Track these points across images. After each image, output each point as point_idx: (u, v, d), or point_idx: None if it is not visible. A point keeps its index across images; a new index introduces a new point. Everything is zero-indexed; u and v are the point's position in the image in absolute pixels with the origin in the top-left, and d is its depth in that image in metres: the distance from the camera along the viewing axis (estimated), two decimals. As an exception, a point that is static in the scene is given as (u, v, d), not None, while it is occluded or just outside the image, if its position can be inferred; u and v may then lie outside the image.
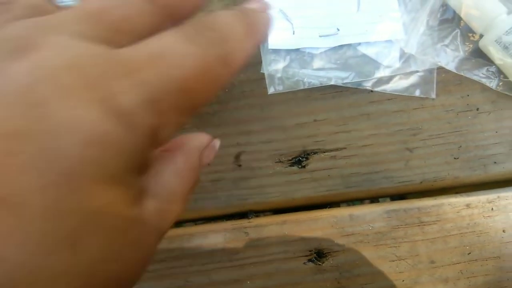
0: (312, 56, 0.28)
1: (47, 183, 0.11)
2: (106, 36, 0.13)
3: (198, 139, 0.19)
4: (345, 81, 0.28)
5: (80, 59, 0.12)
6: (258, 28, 0.17)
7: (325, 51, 0.28)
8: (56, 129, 0.11)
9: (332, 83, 0.28)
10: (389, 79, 0.28)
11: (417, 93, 0.28)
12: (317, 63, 0.28)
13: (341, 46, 0.28)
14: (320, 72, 0.28)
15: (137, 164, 0.13)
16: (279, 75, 0.28)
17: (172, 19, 0.15)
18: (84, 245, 0.11)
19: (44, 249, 0.11)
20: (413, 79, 0.28)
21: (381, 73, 0.28)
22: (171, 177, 0.16)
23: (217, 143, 0.19)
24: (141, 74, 0.12)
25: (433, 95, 0.28)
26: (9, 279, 0.10)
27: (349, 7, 0.28)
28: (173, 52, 0.13)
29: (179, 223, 0.27)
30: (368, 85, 0.28)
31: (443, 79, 0.28)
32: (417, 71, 0.28)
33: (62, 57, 0.12)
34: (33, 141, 0.11)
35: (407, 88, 0.28)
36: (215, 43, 0.14)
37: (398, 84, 0.28)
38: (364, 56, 0.29)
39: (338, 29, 0.28)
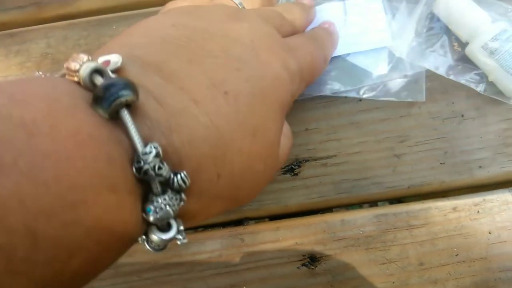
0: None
1: (253, 92, 0.17)
2: (275, 28, 0.22)
3: None
4: (335, 91, 0.29)
5: (271, 34, 0.21)
6: (335, 41, 0.28)
7: (314, 63, 0.29)
8: (261, 65, 0.18)
9: (323, 93, 0.29)
10: (379, 86, 0.29)
11: (407, 97, 0.29)
12: None
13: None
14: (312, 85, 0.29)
15: (288, 106, 0.21)
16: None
17: (295, 32, 0.25)
18: (258, 138, 0.17)
19: (239, 130, 0.16)
20: (402, 84, 0.29)
21: (371, 80, 0.29)
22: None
23: None
24: (296, 52, 0.22)
25: (423, 98, 0.29)
26: (217, 143, 0.16)
27: (336, 20, 0.29)
28: (306, 46, 0.24)
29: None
30: (359, 93, 0.29)
31: (429, 87, 0.29)
32: (405, 77, 0.29)
33: (264, 28, 0.20)
34: (249, 67, 0.18)
35: (397, 94, 0.29)
36: (320, 47, 0.25)
37: (388, 90, 0.29)
38: (353, 65, 0.30)
39: None
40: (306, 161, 0.28)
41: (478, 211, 0.27)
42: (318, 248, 0.27)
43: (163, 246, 0.14)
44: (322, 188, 0.28)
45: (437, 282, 0.26)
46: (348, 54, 0.30)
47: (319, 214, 0.28)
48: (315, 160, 0.28)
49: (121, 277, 0.26)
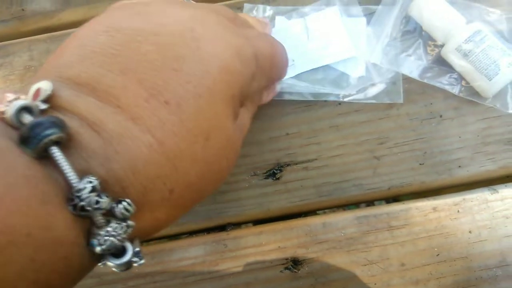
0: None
1: (197, 92, 0.16)
2: (230, 21, 0.20)
3: None
4: (316, 96, 0.29)
5: (220, 21, 0.19)
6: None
7: (292, 69, 0.30)
8: (204, 58, 0.16)
9: (304, 98, 0.29)
10: (358, 89, 0.30)
11: (386, 99, 0.29)
12: (289, 80, 0.30)
13: (308, 63, 0.30)
14: (293, 88, 0.29)
15: (243, 96, 0.19)
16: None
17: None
18: (212, 140, 0.16)
19: (188, 138, 0.15)
20: (380, 87, 0.30)
21: (350, 84, 0.30)
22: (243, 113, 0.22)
23: (278, 86, 0.28)
24: (252, 41, 0.20)
25: (401, 100, 0.29)
26: (164, 160, 0.15)
27: (300, 37, 0.30)
28: (266, 37, 0.22)
29: (159, 238, 0.29)
30: (339, 97, 0.29)
31: (407, 89, 0.29)
32: (383, 79, 0.29)
33: (210, 16, 0.18)
34: (190, 64, 0.16)
35: (376, 96, 0.29)
36: (282, 46, 0.24)
37: (367, 93, 0.29)
38: (332, 68, 0.30)
39: (293, 60, 0.29)
40: (288, 165, 0.29)
41: (458, 211, 0.27)
42: (300, 252, 0.27)
43: (125, 267, 0.14)
44: (304, 191, 0.28)
45: (418, 283, 0.26)
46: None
47: (301, 218, 0.28)
48: (296, 164, 0.28)
49: (105, 285, 0.27)
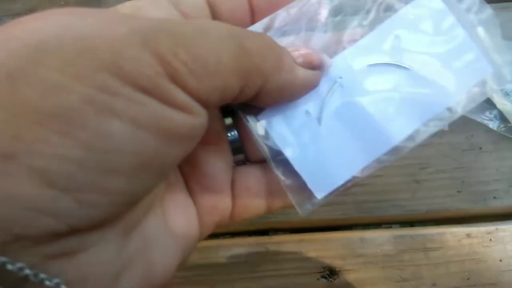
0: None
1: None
2: None
3: None
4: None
5: None
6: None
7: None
8: None
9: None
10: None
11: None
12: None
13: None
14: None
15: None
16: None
17: None
18: None
19: None
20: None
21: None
22: None
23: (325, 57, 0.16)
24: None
25: (446, 126, 0.30)
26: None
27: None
28: None
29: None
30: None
31: (450, 119, 0.31)
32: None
33: None
34: None
35: None
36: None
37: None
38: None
39: None
40: (331, 179, 0.30)
41: (490, 239, 0.29)
42: (337, 262, 0.29)
43: None
44: (345, 206, 0.30)
45: (448, 303, 0.28)
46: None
47: (340, 231, 0.30)
48: (340, 179, 0.30)
49: (153, 274, 0.28)
